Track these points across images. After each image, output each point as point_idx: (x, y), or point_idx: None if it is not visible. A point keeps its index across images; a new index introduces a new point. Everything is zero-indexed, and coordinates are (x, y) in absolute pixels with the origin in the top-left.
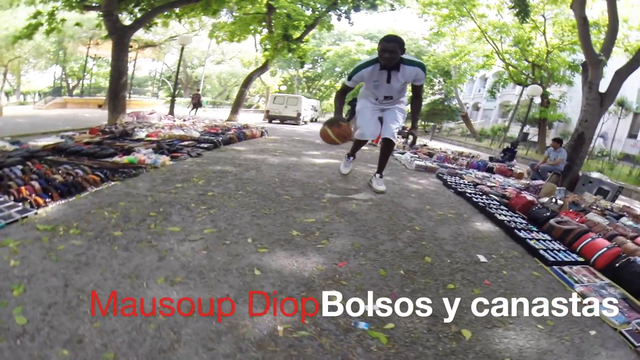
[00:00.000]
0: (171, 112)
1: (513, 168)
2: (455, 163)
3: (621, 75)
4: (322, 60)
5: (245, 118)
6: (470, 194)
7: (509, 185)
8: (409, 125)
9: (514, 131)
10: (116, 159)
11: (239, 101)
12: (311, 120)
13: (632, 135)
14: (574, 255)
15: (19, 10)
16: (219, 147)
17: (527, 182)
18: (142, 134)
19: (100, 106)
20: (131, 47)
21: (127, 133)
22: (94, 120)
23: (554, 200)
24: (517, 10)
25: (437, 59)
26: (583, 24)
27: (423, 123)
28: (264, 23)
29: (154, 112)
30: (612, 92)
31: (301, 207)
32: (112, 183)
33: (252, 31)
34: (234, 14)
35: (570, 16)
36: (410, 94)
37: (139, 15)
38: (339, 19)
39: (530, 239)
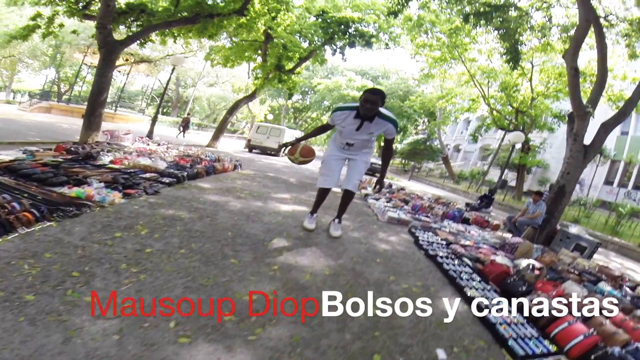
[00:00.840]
0: (149, 133)
1: (489, 218)
2: (430, 213)
3: (607, 127)
4: (312, 92)
5: (227, 145)
6: (441, 257)
7: (484, 243)
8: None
9: (493, 175)
10: (65, 189)
11: (221, 127)
12: None
13: (608, 182)
14: (547, 344)
15: (26, 9)
16: (182, 183)
17: (503, 234)
18: (106, 159)
19: (83, 116)
20: (126, 60)
21: (92, 156)
22: (70, 133)
23: (530, 267)
24: (509, 57)
25: (424, 99)
26: (574, 75)
27: (403, 162)
28: (259, 51)
29: (129, 133)
30: (597, 144)
31: (246, 277)
32: (48, 224)
33: (247, 58)
34: (233, 39)
35: (557, 64)
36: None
37: (134, 30)
38: (333, 54)
39: (501, 323)
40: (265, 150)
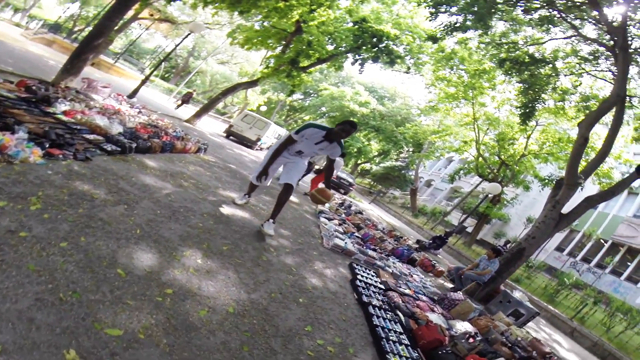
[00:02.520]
0: (133, 93)
1: (435, 262)
2: (379, 247)
3: (591, 202)
4: (315, 95)
5: (208, 125)
6: (374, 307)
7: (424, 293)
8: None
9: (453, 216)
10: None
11: (208, 106)
12: (268, 149)
13: (559, 249)
14: None
15: None
16: (125, 155)
17: (444, 283)
18: (61, 107)
19: (93, 64)
20: (151, 15)
21: (48, 100)
22: (50, 71)
23: (466, 337)
24: (523, 112)
25: (419, 130)
26: (582, 144)
27: (371, 182)
28: (283, 42)
29: (108, 87)
30: (574, 216)
31: (124, 299)
32: None
33: (268, 45)
34: (264, 23)
35: (560, 129)
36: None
37: None
38: (353, 63)
39: None
40: (242, 140)
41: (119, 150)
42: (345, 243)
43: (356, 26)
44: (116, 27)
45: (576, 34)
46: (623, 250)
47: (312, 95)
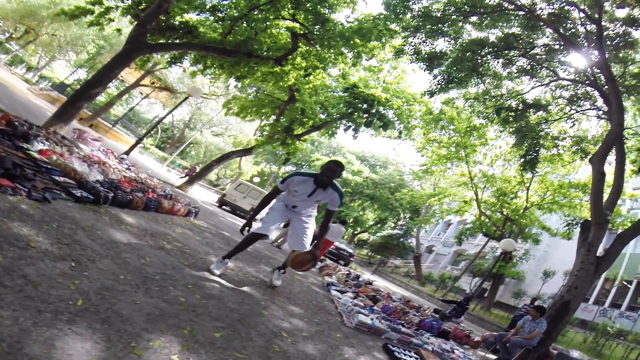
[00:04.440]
0: (127, 152)
1: (469, 332)
2: (404, 319)
3: (624, 239)
4: (307, 166)
5: (200, 193)
6: None
7: None
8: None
9: (463, 281)
10: None
11: (201, 173)
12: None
13: (584, 299)
14: None
15: None
16: (98, 205)
17: (486, 355)
18: (39, 145)
19: (82, 118)
20: (152, 83)
21: (26, 136)
22: (43, 118)
23: None
24: (527, 159)
25: (415, 195)
26: (600, 179)
27: (370, 254)
28: (277, 110)
29: (99, 140)
30: (611, 257)
31: None
32: None
33: (263, 114)
34: (257, 93)
35: (557, 177)
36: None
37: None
38: (345, 130)
39: None
40: (236, 209)
41: (91, 199)
42: (372, 320)
43: (347, 93)
44: (118, 92)
45: (556, 78)
46: None
47: (305, 166)
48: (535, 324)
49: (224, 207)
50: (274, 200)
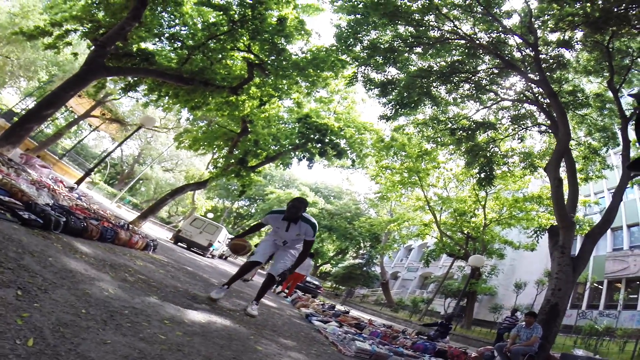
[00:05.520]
0: (78, 182)
1: (466, 349)
2: (395, 343)
3: (593, 237)
4: (260, 200)
5: (153, 230)
6: None
7: None
8: None
9: (436, 303)
10: None
11: (154, 208)
12: (221, 257)
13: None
14: None
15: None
16: (48, 230)
17: None
18: None
19: (28, 149)
20: (102, 114)
21: None
22: None
23: None
24: (483, 175)
25: (374, 222)
26: (558, 186)
27: (335, 285)
28: (229, 142)
29: (47, 167)
30: (585, 255)
31: None
32: None
33: (215, 147)
34: (209, 126)
35: (510, 193)
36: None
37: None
38: (299, 161)
39: None
40: (192, 245)
41: (40, 223)
42: (372, 345)
43: (300, 123)
44: (66, 123)
45: (499, 99)
46: (623, 285)
47: (259, 200)
48: (531, 330)
49: (179, 243)
50: (264, 238)
